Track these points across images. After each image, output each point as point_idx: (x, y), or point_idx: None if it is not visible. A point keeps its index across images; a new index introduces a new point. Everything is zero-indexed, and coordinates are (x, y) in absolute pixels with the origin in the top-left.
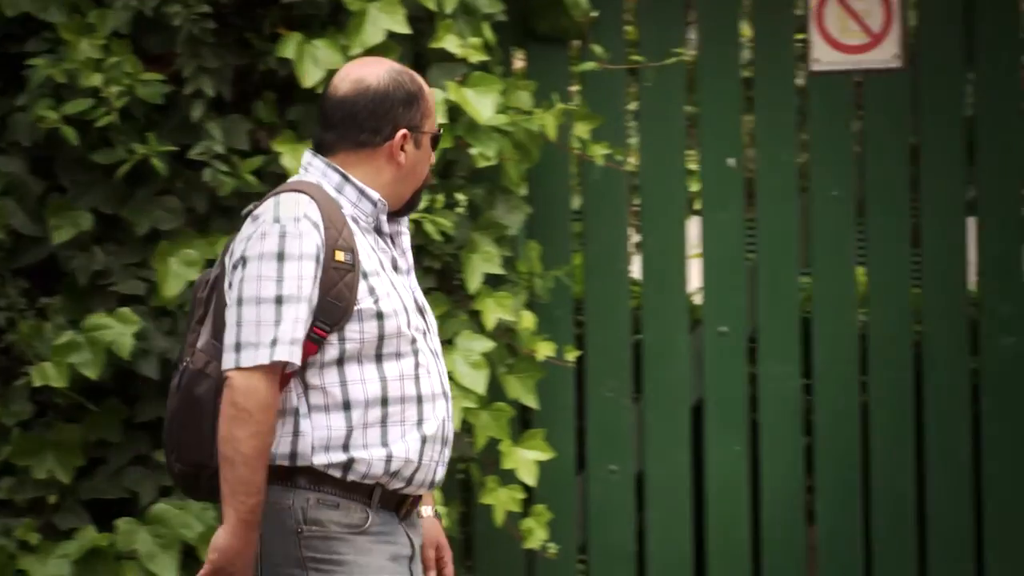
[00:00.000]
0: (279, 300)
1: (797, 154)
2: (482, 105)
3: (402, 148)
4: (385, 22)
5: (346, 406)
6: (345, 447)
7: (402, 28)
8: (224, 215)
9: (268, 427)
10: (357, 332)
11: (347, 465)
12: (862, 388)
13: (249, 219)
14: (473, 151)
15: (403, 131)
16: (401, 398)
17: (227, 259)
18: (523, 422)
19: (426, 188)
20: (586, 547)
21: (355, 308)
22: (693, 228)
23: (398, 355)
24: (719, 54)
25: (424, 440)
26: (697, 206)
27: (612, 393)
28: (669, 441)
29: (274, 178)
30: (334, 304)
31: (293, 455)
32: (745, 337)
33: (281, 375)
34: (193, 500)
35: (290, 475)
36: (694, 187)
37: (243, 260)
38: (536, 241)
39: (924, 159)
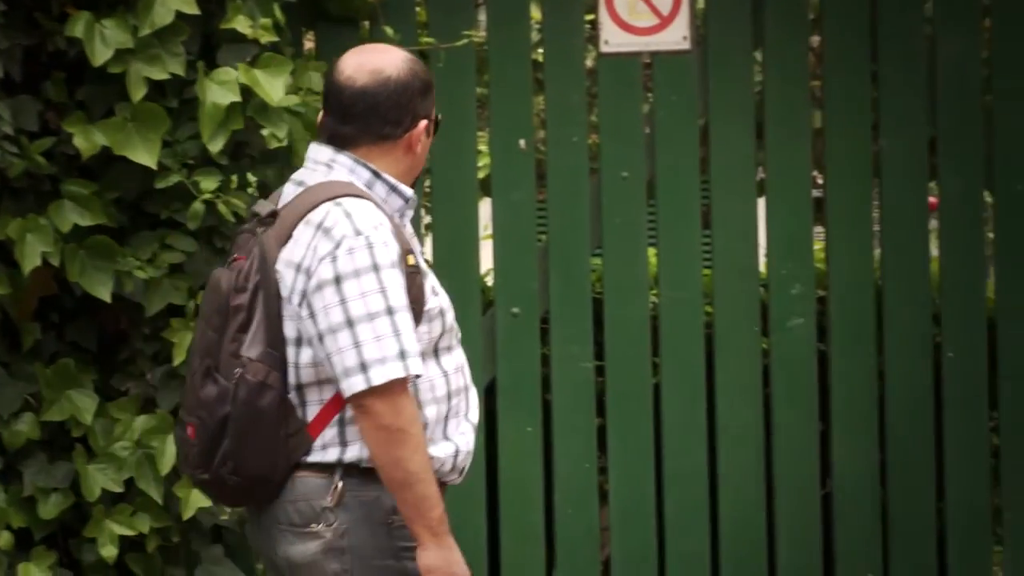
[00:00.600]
0: (390, 311)
1: (587, 135)
2: (273, 86)
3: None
4: (175, 2)
5: (418, 406)
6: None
7: (191, 8)
8: (14, 197)
9: (423, 438)
10: (426, 332)
11: None
12: (654, 369)
13: (319, 233)
14: (264, 132)
15: (424, 121)
16: (458, 390)
17: (290, 272)
18: None
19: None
20: None
21: (424, 309)
22: (484, 209)
23: (449, 349)
24: (509, 36)
25: (473, 428)
26: (488, 188)
27: None
28: None
29: (64, 159)
30: (413, 309)
31: (362, 457)
32: (537, 318)
33: None
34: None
35: (370, 472)
36: (485, 169)
37: (336, 280)
38: None
39: (713, 140)
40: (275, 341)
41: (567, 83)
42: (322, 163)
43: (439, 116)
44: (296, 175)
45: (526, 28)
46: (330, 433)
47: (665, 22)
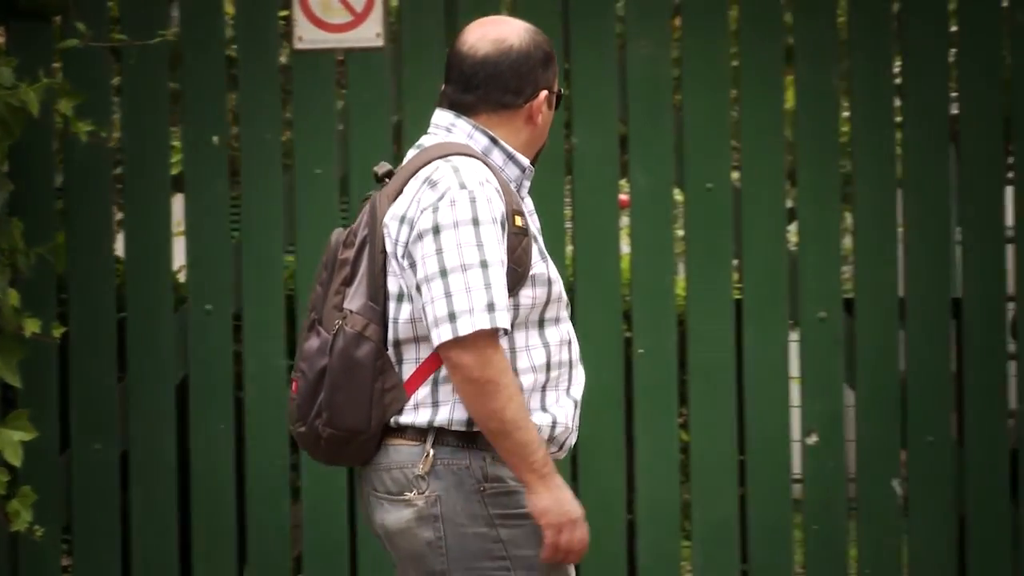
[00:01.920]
0: (484, 264)
1: (281, 132)
2: None
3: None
4: None
5: (531, 369)
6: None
7: None
8: None
9: (516, 386)
10: (529, 297)
11: None
12: None
13: (425, 185)
14: None
15: (544, 92)
16: (559, 363)
17: (395, 224)
18: (7, 401)
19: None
20: (70, 527)
21: (530, 273)
22: (177, 205)
23: (557, 320)
24: (202, 32)
25: (575, 405)
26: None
27: (95, 372)
28: (154, 419)
29: None
30: (513, 269)
31: (452, 419)
32: (230, 315)
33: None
34: (325, 464)
35: (463, 437)
36: (178, 165)
37: (435, 229)
38: (19, 219)
39: (406, 138)
40: (376, 295)
41: (260, 80)
42: (442, 127)
43: (561, 90)
44: (420, 139)
45: (220, 24)
46: (423, 392)
47: (359, 19)
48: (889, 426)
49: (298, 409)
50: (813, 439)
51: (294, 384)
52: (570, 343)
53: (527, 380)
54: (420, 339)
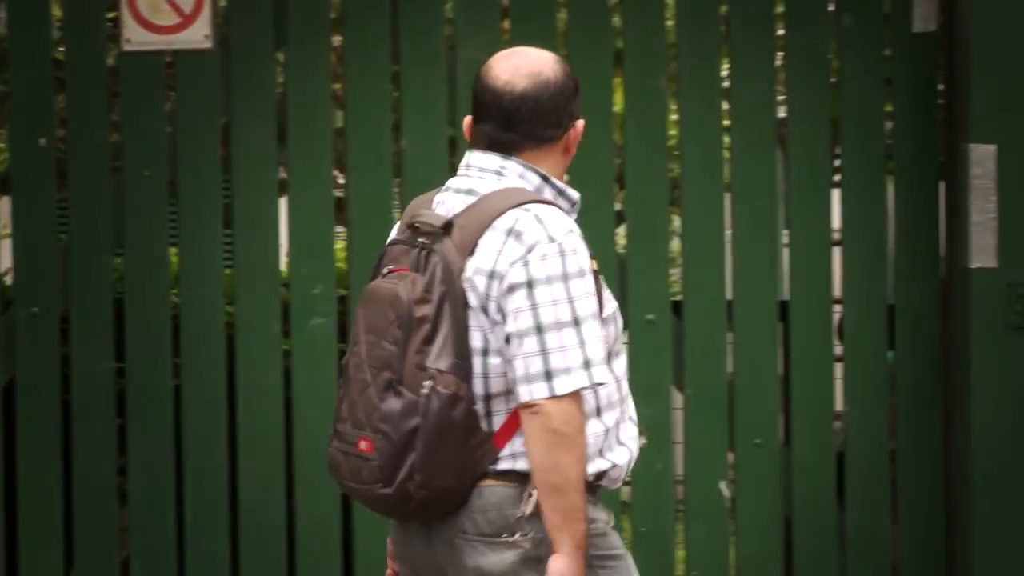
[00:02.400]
0: (577, 321)
1: (109, 134)
2: None
3: None
4: None
5: (597, 411)
6: (601, 452)
7: None
8: None
9: (586, 450)
10: (603, 337)
11: (606, 470)
12: (176, 369)
13: (510, 238)
14: None
15: (581, 121)
16: (625, 396)
17: (482, 279)
18: None
19: None
20: None
21: (603, 316)
22: (4, 208)
23: (618, 354)
24: (29, 33)
25: (636, 436)
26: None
27: None
28: None
29: None
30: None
31: None
32: (57, 318)
33: None
34: (418, 523)
35: None
36: (3, 166)
37: (528, 284)
38: None
39: (234, 140)
40: (463, 352)
41: (88, 82)
42: (491, 171)
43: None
44: (457, 183)
45: (47, 26)
46: (519, 441)
47: (187, 21)
48: (717, 428)
49: (380, 471)
50: (641, 441)
51: (364, 443)
52: (626, 372)
53: (610, 417)
54: (511, 391)
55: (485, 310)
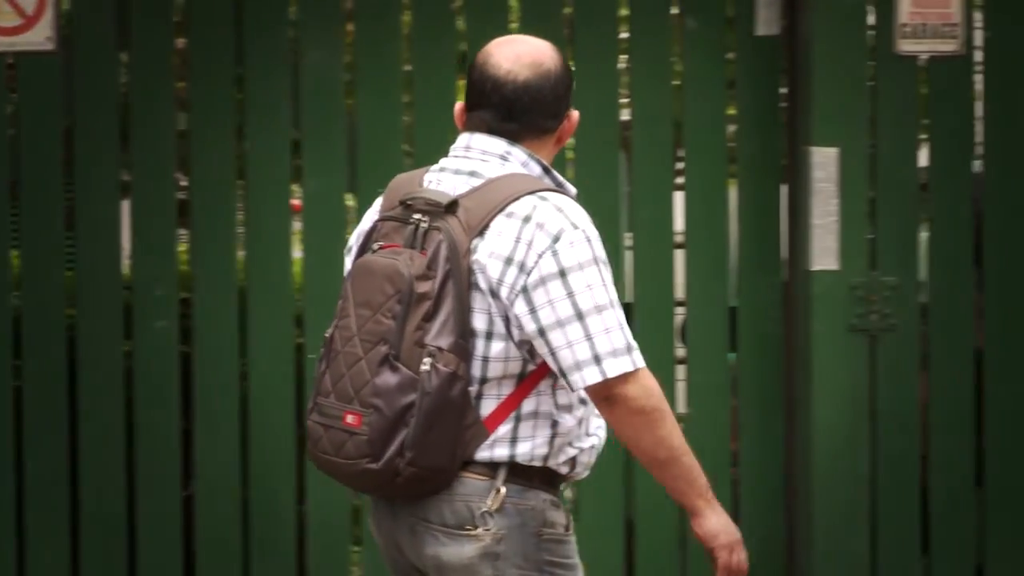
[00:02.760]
0: (613, 304)
1: None
2: None
3: None
4: None
5: (583, 401)
6: (571, 443)
7: None
8: None
9: (672, 415)
10: None
11: (575, 456)
12: (16, 372)
13: (529, 225)
14: None
15: (576, 112)
16: None
17: (497, 264)
18: None
19: None
20: None
21: None
22: None
23: None
24: None
25: (603, 426)
26: None
27: None
28: None
29: None
30: None
31: (534, 455)
32: None
33: (532, 375)
34: (385, 500)
35: (528, 475)
36: None
37: (561, 273)
38: None
39: (78, 142)
40: (464, 332)
41: None
42: (495, 155)
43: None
44: (455, 164)
45: None
46: (504, 428)
47: (30, 22)
48: None
49: (367, 445)
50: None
51: (353, 418)
52: None
53: (582, 411)
54: (506, 377)
55: (495, 293)
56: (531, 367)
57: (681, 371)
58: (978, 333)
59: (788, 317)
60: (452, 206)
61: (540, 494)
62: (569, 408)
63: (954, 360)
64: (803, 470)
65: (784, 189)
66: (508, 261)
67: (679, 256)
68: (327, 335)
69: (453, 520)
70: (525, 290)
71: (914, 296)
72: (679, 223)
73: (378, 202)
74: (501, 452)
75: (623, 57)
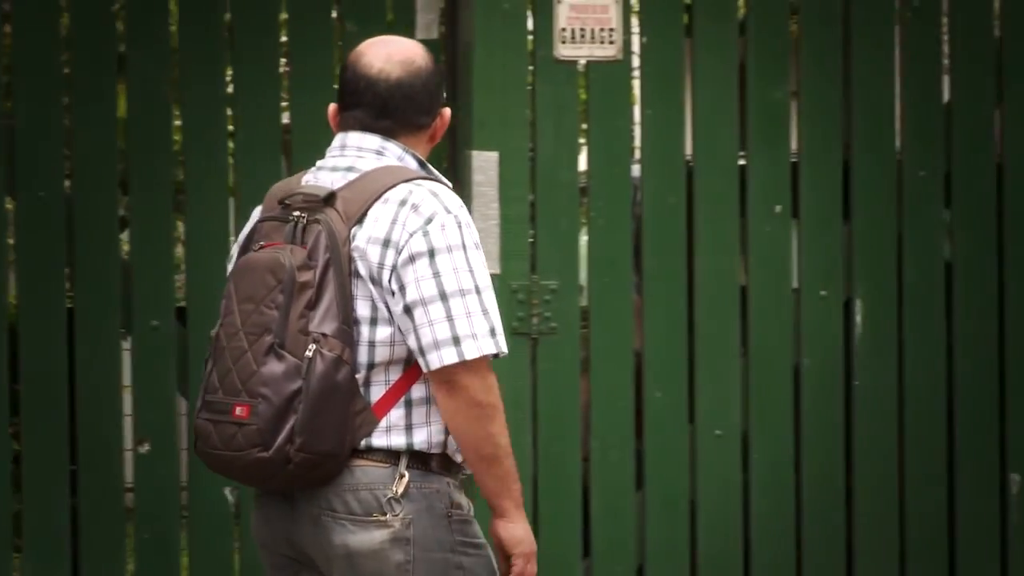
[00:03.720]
0: (479, 289)
1: None
2: None
3: None
4: None
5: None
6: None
7: None
8: None
9: (504, 415)
10: None
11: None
12: None
13: (405, 209)
14: None
15: (448, 109)
16: None
17: (376, 248)
18: None
19: None
20: None
21: None
22: None
23: None
24: None
25: None
26: None
27: None
28: None
29: None
30: None
31: (431, 442)
32: None
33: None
34: (281, 496)
35: (427, 460)
36: None
37: (430, 253)
38: None
39: None
40: (347, 318)
41: None
42: (371, 150)
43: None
44: (332, 162)
45: None
46: (396, 415)
47: None
48: None
49: (257, 434)
50: (145, 448)
51: (241, 409)
52: None
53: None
54: (392, 362)
55: (375, 280)
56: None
57: None
58: (637, 336)
59: None
60: (330, 198)
61: (442, 478)
62: None
63: (614, 363)
64: None
65: None
66: (385, 244)
67: None
68: (212, 334)
69: (360, 508)
70: (394, 268)
71: (574, 299)
72: None
73: (257, 209)
74: (398, 440)
75: (284, 60)
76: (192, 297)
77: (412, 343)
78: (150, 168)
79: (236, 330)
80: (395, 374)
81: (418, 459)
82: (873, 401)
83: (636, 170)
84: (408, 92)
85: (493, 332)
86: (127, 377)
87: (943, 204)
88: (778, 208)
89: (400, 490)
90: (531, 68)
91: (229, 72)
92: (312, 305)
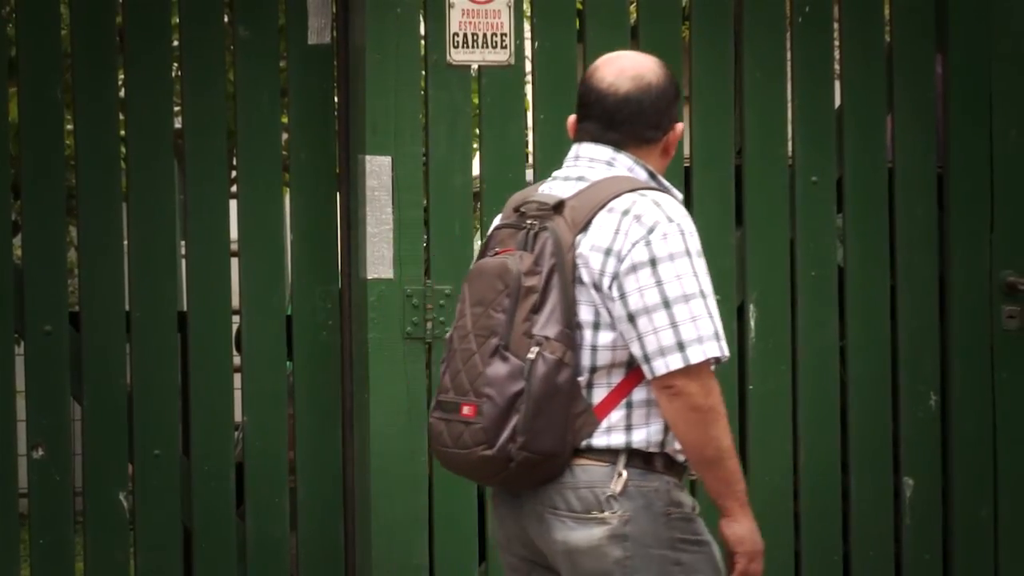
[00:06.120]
0: (703, 294)
1: None
2: None
3: None
4: None
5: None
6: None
7: None
8: None
9: (726, 417)
10: None
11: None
12: None
13: (628, 218)
14: None
15: (680, 124)
16: None
17: (598, 256)
18: None
19: None
20: None
21: None
22: None
23: None
24: None
25: None
26: None
27: None
28: None
29: None
30: None
31: (650, 441)
32: None
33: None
34: (509, 493)
35: (649, 460)
36: None
37: (652, 262)
38: None
39: None
40: (570, 322)
41: None
42: (601, 161)
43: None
44: (565, 172)
45: None
46: (616, 416)
47: None
48: (116, 440)
49: (481, 432)
50: (39, 453)
51: (468, 408)
52: None
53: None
54: (614, 365)
55: (597, 286)
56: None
57: (237, 380)
58: None
59: (345, 326)
60: (559, 206)
61: (663, 476)
62: None
63: None
64: (361, 478)
65: (339, 197)
66: (607, 252)
67: (234, 265)
68: (447, 337)
69: (580, 506)
70: (616, 277)
71: None
72: (234, 231)
73: (498, 217)
74: (618, 440)
75: (176, 64)
76: (85, 302)
77: (636, 351)
78: (42, 172)
79: (466, 332)
80: (617, 377)
81: (639, 458)
82: (767, 405)
83: (530, 175)
84: (636, 107)
85: (717, 336)
86: (20, 382)
87: (835, 209)
88: None
89: (618, 488)
90: (424, 72)
91: (121, 76)
92: (536, 309)
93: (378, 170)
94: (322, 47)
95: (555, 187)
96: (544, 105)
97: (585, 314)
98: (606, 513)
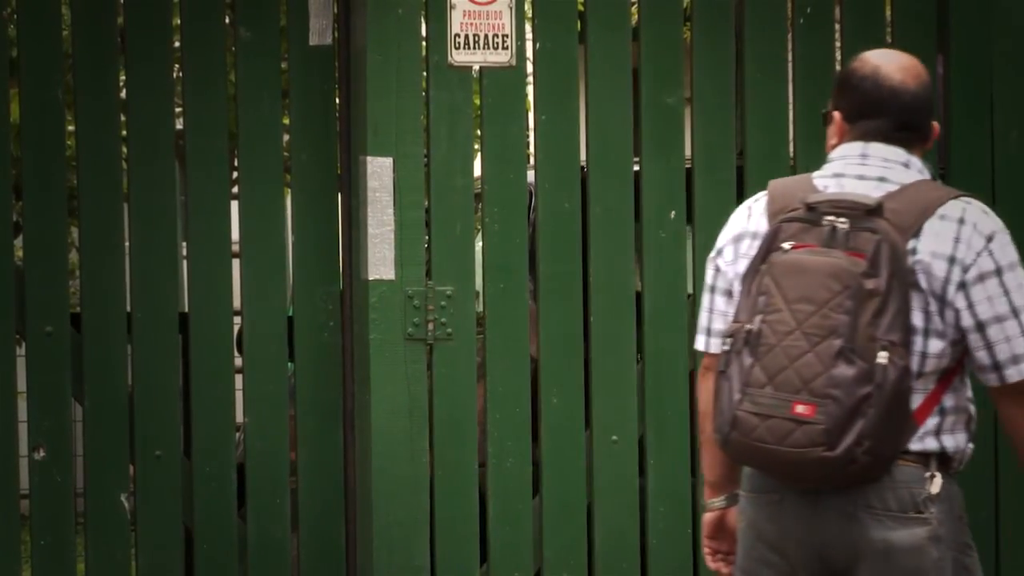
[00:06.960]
0: None
1: None
2: None
3: None
4: None
5: (971, 399)
6: (972, 439)
7: None
8: None
9: None
10: None
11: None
12: None
13: (968, 228)
14: None
15: (936, 122)
16: None
17: (941, 264)
18: None
19: None
20: None
21: None
22: None
23: None
24: None
25: None
26: None
27: None
28: None
29: None
30: None
31: (959, 448)
32: None
33: (951, 371)
34: (799, 493)
35: (948, 464)
36: None
37: (998, 271)
38: None
39: None
40: (908, 328)
41: None
42: (897, 163)
43: None
44: (854, 170)
45: None
46: (932, 422)
47: None
48: (117, 441)
49: (825, 434)
50: (40, 454)
51: (806, 408)
52: None
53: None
54: (934, 372)
55: (937, 294)
56: (951, 363)
57: (238, 380)
58: (533, 342)
59: (346, 327)
60: (877, 209)
61: (955, 480)
62: (972, 402)
63: (510, 369)
64: (363, 479)
65: (341, 199)
66: (951, 260)
67: (235, 266)
68: (745, 328)
69: (896, 505)
70: (963, 286)
71: (470, 305)
72: (235, 232)
73: (750, 207)
74: (932, 444)
75: (176, 66)
76: (86, 303)
77: (984, 359)
78: (43, 173)
79: (791, 329)
80: (931, 383)
81: (943, 463)
82: None
83: (531, 176)
84: (923, 104)
85: None
86: (21, 383)
87: None
88: (673, 214)
89: (935, 490)
90: (425, 74)
91: (122, 77)
92: (879, 313)
93: (379, 171)
94: (323, 48)
95: (847, 185)
96: (545, 106)
97: (916, 320)
98: (925, 513)
